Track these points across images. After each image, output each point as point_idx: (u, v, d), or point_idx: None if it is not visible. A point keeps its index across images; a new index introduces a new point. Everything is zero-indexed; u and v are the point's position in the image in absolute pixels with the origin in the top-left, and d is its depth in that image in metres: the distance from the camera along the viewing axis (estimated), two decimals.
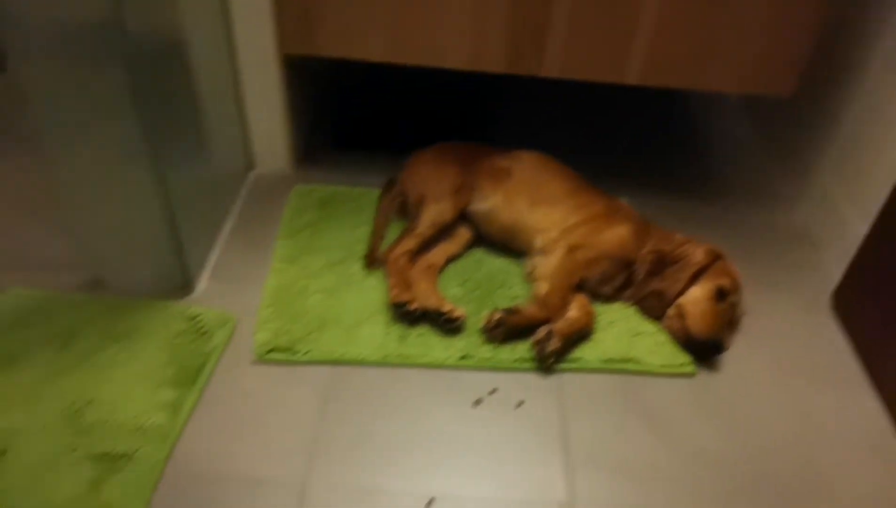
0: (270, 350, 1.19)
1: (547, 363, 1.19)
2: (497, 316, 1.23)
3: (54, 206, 1.19)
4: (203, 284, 1.32)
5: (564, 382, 1.19)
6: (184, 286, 1.30)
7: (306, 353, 1.19)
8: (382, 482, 1.01)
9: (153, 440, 1.02)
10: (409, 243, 1.35)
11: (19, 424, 1.02)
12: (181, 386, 1.10)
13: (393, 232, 1.44)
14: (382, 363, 1.19)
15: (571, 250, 1.30)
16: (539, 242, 1.35)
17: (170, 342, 1.18)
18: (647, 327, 1.29)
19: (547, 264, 1.30)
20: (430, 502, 0.99)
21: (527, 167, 1.44)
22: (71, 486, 0.94)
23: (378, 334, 1.24)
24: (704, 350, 1.23)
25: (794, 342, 1.30)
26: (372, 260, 1.39)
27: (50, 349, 1.14)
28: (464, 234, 1.44)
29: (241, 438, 1.05)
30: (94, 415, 1.04)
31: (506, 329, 1.22)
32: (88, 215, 1.19)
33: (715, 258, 1.28)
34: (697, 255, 1.27)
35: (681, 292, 1.26)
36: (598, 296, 1.32)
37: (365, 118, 1.71)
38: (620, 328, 1.29)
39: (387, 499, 0.99)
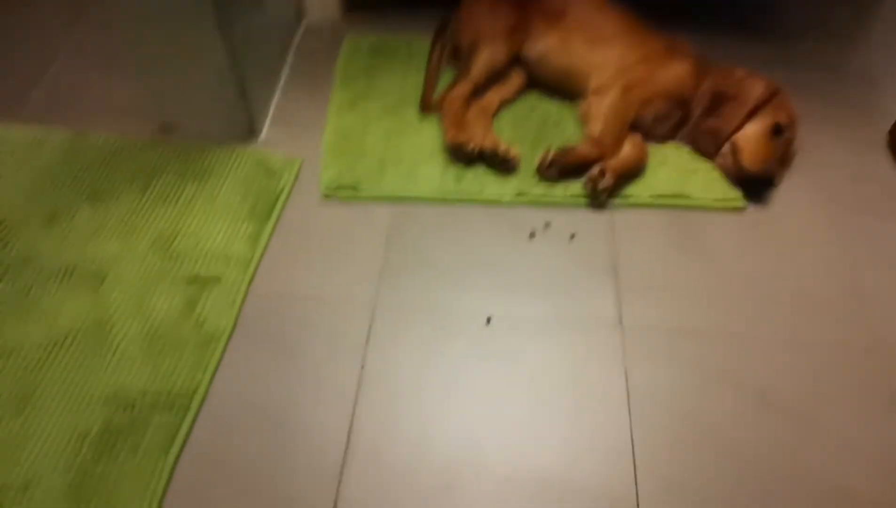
0: (336, 189, 1.26)
1: (600, 199, 1.24)
2: (551, 155, 1.26)
3: (129, 56, 1.23)
4: (266, 130, 1.38)
5: (616, 217, 1.24)
6: (249, 132, 1.35)
7: (369, 191, 1.25)
8: (445, 303, 1.10)
9: (237, 266, 1.11)
10: (464, 87, 1.37)
11: (116, 252, 1.12)
12: (257, 220, 1.19)
13: (445, 79, 1.45)
14: (441, 201, 1.25)
15: (627, 88, 1.30)
16: (594, 82, 1.35)
17: (242, 181, 1.25)
18: (700, 165, 1.31)
19: (601, 104, 1.31)
20: (489, 319, 1.08)
21: (581, 7, 1.41)
22: (168, 304, 1.05)
23: (436, 174, 1.29)
24: (756, 185, 1.25)
25: (846, 179, 1.31)
26: (426, 105, 1.41)
27: (134, 188, 1.22)
28: (517, 78, 1.44)
29: (315, 265, 1.14)
30: (182, 244, 1.14)
31: (559, 167, 1.26)
32: (160, 64, 1.23)
33: (774, 93, 1.27)
34: (756, 90, 1.26)
35: (737, 129, 1.26)
36: (652, 136, 1.34)
37: None
38: (673, 166, 1.31)
39: (449, 317, 1.08)
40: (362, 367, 1.01)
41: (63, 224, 1.15)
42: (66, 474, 0.86)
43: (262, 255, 1.14)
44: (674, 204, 1.26)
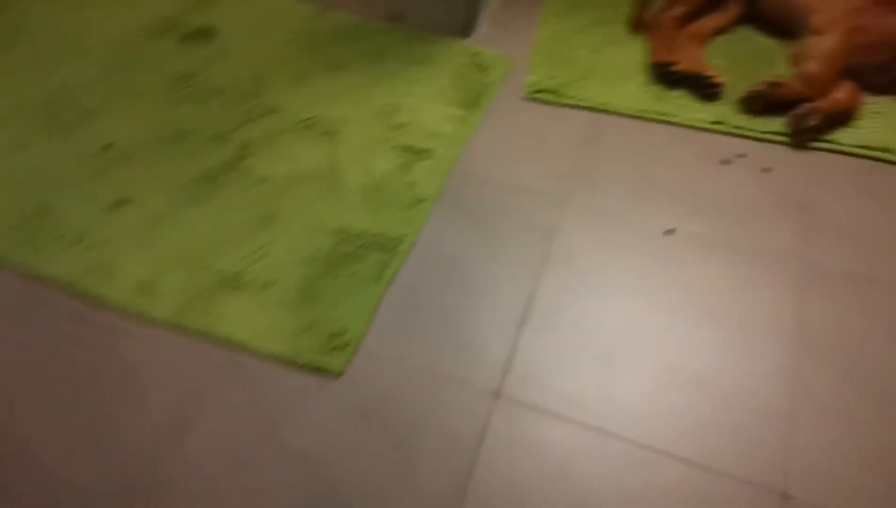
0: (540, 91, 1.34)
1: (802, 137, 1.24)
2: (759, 86, 1.26)
3: None
4: (482, 27, 1.48)
5: (815, 159, 1.24)
6: (466, 28, 1.46)
7: (571, 97, 1.33)
8: (628, 209, 1.17)
9: (445, 144, 1.24)
10: (678, 9, 1.39)
11: (346, 115, 1.28)
12: (465, 107, 1.30)
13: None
14: (639, 116, 1.30)
15: (850, 32, 1.27)
16: (816, 20, 1.32)
17: (456, 71, 1.37)
18: None
19: (820, 44, 1.29)
20: (670, 231, 1.14)
21: None
22: (385, 164, 1.20)
23: (637, 90, 1.34)
24: None
25: None
26: (638, 24, 1.44)
27: (365, 63, 1.37)
28: (734, 8, 1.43)
29: (514, 156, 1.25)
30: (401, 118, 1.28)
31: (765, 101, 1.27)
32: None
33: None
34: None
35: None
36: (868, 86, 1.30)
37: None
38: (885, 120, 1.27)
39: (631, 222, 1.15)
40: (547, 252, 1.11)
41: (306, 84, 1.33)
42: (299, 282, 1.04)
43: (467, 138, 1.26)
44: (878, 157, 1.23)
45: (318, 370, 0.97)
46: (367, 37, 1.43)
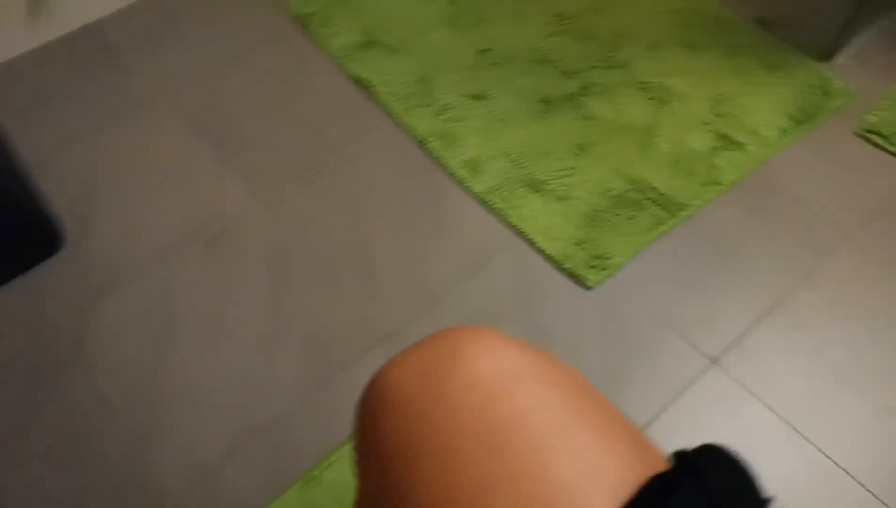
0: (873, 132, 1.35)
1: None
2: None
3: None
4: (841, 59, 1.50)
5: None
6: (825, 54, 1.49)
7: None
8: None
9: (760, 145, 1.33)
10: None
11: (682, 90, 1.42)
12: (794, 120, 1.37)
13: None
14: None
15: None
16: None
17: (799, 87, 1.42)
18: None
19: None
20: None
21: None
22: (698, 142, 1.33)
23: None
24: None
25: None
26: None
27: (718, 52, 1.49)
28: None
29: (821, 180, 1.29)
30: (729, 108, 1.38)
31: None
32: None
33: None
34: None
35: None
36: None
37: None
38: None
39: None
40: (816, 270, 1.17)
41: (658, 54, 1.48)
42: (587, 206, 1.24)
43: (784, 148, 1.33)
44: None
45: (575, 278, 1.16)
46: (731, 32, 1.53)
